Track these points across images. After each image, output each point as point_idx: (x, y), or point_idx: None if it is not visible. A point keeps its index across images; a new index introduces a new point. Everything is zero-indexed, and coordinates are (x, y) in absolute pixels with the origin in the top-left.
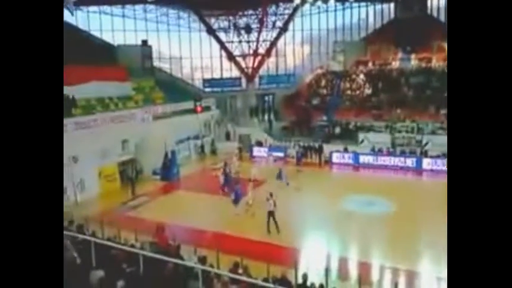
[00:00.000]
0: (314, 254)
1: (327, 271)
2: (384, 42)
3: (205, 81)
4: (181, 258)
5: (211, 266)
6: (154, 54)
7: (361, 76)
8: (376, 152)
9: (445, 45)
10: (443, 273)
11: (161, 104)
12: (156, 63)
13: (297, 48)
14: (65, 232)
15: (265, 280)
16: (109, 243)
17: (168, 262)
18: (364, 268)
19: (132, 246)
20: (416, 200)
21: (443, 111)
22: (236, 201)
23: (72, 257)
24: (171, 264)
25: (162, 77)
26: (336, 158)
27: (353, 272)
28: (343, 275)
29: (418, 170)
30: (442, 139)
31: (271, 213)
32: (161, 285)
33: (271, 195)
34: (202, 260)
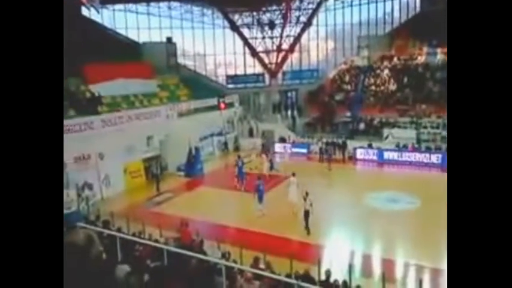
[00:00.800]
0: (337, 251)
1: (351, 268)
2: (409, 37)
3: (228, 77)
4: (205, 254)
5: (235, 261)
6: (179, 51)
7: (386, 71)
8: (400, 148)
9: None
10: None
11: (185, 100)
12: (180, 60)
13: (321, 44)
14: (91, 227)
15: (288, 276)
16: (134, 239)
17: (192, 257)
18: (388, 265)
19: (157, 241)
20: (441, 197)
21: None
22: (260, 198)
23: (99, 251)
24: (195, 260)
25: (187, 73)
26: (360, 154)
27: (377, 269)
28: (366, 272)
29: (443, 166)
30: None
31: (306, 213)
32: (185, 280)
33: (307, 194)
34: (226, 256)
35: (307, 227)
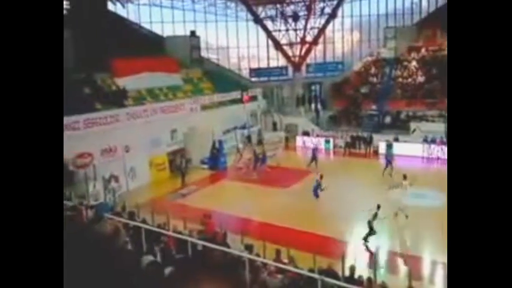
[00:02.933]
0: (362, 247)
1: (375, 264)
2: (438, 27)
3: (252, 70)
4: (228, 246)
5: (258, 255)
6: (203, 45)
7: (414, 63)
8: (428, 142)
9: None
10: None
11: (209, 94)
12: (204, 53)
13: (346, 35)
14: (117, 218)
15: (311, 271)
16: (159, 230)
17: (215, 250)
18: (414, 262)
19: (181, 233)
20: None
21: None
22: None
23: (124, 242)
24: (218, 252)
25: (210, 67)
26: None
27: (402, 266)
28: (392, 268)
29: None
30: None
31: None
32: (208, 271)
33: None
34: (249, 249)
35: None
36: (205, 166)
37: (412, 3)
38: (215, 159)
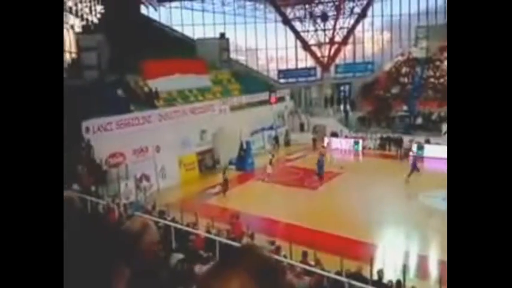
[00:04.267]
0: (391, 250)
1: (405, 268)
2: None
3: (280, 72)
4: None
5: (285, 256)
6: (232, 47)
7: (446, 62)
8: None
9: None
10: None
11: (237, 95)
12: (233, 55)
13: (376, 35)
14: (148, 216)
15: (338, 273)
16: (188, 229)
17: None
18: (445, 267)
19: (209, 232)
20: None
21: None
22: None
23: (154, 238)
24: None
25: (239, 68)
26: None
27: (433, 271)
28: (421, 273)
29: None
30: None
31: None
32: (235, 271)
33: None
34: (276, 250)
35: None
36: (233, 167)
37: (445, 1)
38: (243, 160)
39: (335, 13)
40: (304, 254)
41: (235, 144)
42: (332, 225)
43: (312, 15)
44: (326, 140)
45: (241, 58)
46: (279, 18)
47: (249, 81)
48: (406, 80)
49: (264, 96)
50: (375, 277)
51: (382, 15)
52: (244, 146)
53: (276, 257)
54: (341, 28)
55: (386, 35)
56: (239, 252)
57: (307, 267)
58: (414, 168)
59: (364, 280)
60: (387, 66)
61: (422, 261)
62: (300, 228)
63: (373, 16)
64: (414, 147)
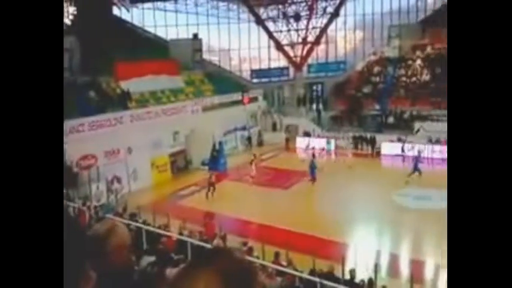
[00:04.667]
0: (363, 249)
1: (377, 267)
2: (444, 24)
3: (253, 72)
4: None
5: (257, 257)
6: (205, 47)
7: (418, 61)
8: (433, 142)
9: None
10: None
11: (210, 96)
12: (206, 55)
13: (349, 34)
14: (119, 219)
15: (311, 273)
16: (159, 231)
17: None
18: (417, 266)
19: (181, 234)
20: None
21: None
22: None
23: (125, 242)
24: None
25: (212, 69)
26: (389, 148)
27: (404, 269)
28: (393, 272)
29: None
30: None
31: None
32: (205, 273)
33: None
34: (248, 251)
35: None
36: (206, 167)
37: (416, 0)
38: (215, 161)
39: (308, 13)
40: (277, 255)
41: (208, 145)
42: (304, 225)
43: (285, 16)
44: (298, 139)
45: (214, 59)
46: (252, 18)
47: (222, 81)
48: (378, 79)
49: (236, 96)
50: (347, 276)
51: (355, 14)
52: (217, 147)
53: (248, 258)
54: (314, 28)
55: (359, 34)
56: (210, 254)
57: (279, 268)
58: (415, 169)
59: (336, 280)
60: (359, 66)
61: (394, 259)
62: (272, 228)
63: (345, 15)
64: (410, 148)
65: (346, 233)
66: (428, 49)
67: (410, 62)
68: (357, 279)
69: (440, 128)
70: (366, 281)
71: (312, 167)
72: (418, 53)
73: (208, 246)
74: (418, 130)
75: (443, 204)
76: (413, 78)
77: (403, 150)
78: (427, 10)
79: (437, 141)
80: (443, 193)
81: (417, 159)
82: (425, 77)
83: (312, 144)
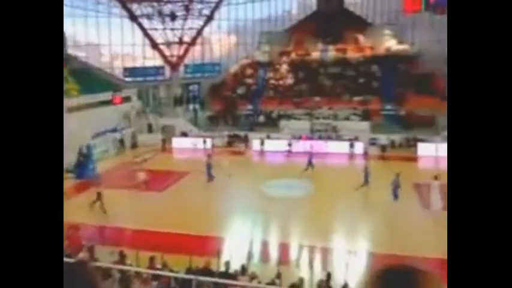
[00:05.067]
0: (237, 241)
1: (249, 255)
2: (306, 34)
3: (126, 70)
4: (95, 260)
5: (131, 265)
6: (69, 42)
7: (285, 66)
8: (296, 138)
9: (359, 37)
10: (355, 247)
11: (76, 96)
12: (70, 51)
13: (223, 38)
14: None
15: (188, 271)
16: None
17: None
18: (284, 249)
19: None
20: (334, 183)
21: (357, 98)
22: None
23: None
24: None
25: (77, 65)
26: (259, 145)
27: (274, 253)
28: (264, 257)
29: (337, 153)
30: (355, 124)
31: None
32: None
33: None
34: (121, 260)
35: None
36: (71, 175)
37: (283, 11)
38: (82, 167)
39: (184, 13)
40: (151, 259)
41: (74, 149)
42: (179, 225)
43: (161, 14)
44: (175, 140)
45: (81, 54)
46: (125, 13)
47: (90, 79)
48: (250, 81)
49: (106, 96)
50: (223, 269)
51: (229, 19)
52: (85, 151)
53: (121, 266)
54: (190, 28)
55: (233, 38)
56: (70, 268)
57: (154, 272)
58: (309, 164)
59: (212, 274)
60: (233, 68)
61: (266, 246)
62: (147, 232)
63: (220, 19)
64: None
65: (221, 227)
66: (293, 55)
67: (278, 66)
68: (231, 270)
69: (302, 125)
70: (239, 269)
71: (209, 167)
72: (284, 58)
73: (71, 260)
74: (283, 128)
75: (305, 191)
76: (280, 81)
77: (289, 145)
78: (292, 20)
79: (300, 137)
80: (304, 182)
81: (311, 155)
82: (290, 80)
83: (199, 144)
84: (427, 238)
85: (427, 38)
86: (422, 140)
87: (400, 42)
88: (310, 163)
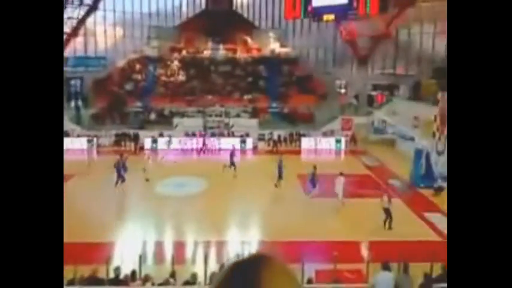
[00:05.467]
0: (129, 245)
1: (142, 258)
2: (196, 32)
3: None
4: None
5: None
6: None
7: (176, 62)
8: (189, 135)
9: (247, 38)
10: (248, 237)
11: None
12: None
13: (109, 30)
14: None
15: (71, 283)
16: None
17: None
18: (179, 248)
19: None
20: (227, 179)
21: (246, 97)
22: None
23: None
24: None
25: None
26: (151, 143)
27: (168, 253)
28: (158, 258)
29: (229, 149)
30: (244, 121)
31: (386, 211)
32: None
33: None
34: None
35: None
36: None
37: (173, 7)
38: None
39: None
40: None
41: None
42: (68, 235)
43: None
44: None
45: None
46: None
47: None
48: (139, 76)
49: None
50: (112, 275)
51: (115, 11)
52: None
53: None
54: (70, 18)
55: (119, 31)
56: None
57: None
58: (232, 164)
59: (100, 281)
60: (120, 63)
61: (159, 246)
62: None
63: (105, 10)
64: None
65: (111, 232)
66: (184, 52)
67: (169, 62)
68: (122, 275)
69: (195, 123)
70: (130, 274)
71: (120, 168)
72: (175, 55)
73: None
74: (176, 125)
75: (197, 189)
76: (172, 78)
77: (204, 144)
78: (182, 17)
79: (193, 134)
80: (196, 180)
81: (232, 154)
82: (182, 77)
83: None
84: (309, 223)
85: (306, 43)
86: (304, 135)
87: (283, 45)
88: (232, 163)
